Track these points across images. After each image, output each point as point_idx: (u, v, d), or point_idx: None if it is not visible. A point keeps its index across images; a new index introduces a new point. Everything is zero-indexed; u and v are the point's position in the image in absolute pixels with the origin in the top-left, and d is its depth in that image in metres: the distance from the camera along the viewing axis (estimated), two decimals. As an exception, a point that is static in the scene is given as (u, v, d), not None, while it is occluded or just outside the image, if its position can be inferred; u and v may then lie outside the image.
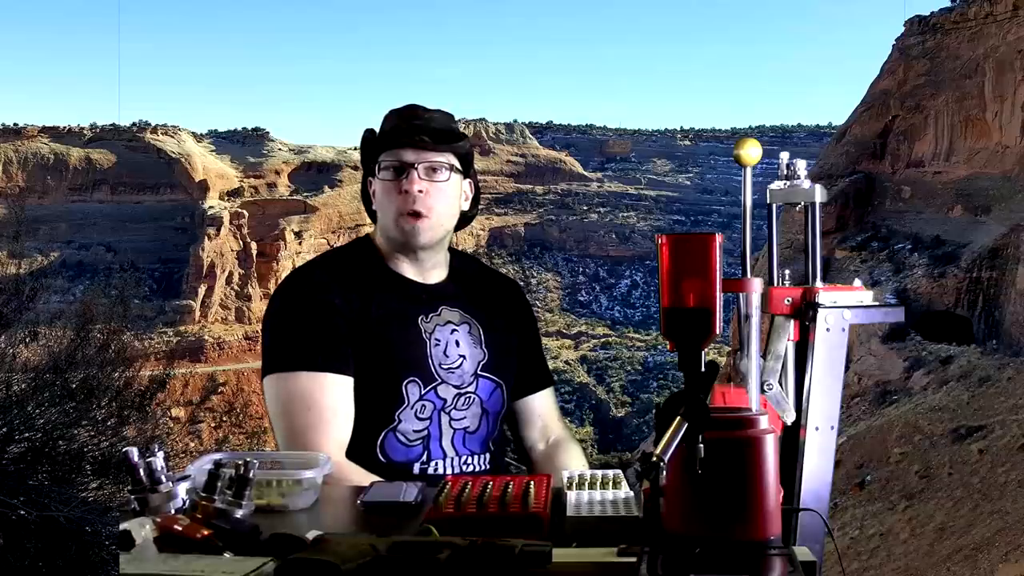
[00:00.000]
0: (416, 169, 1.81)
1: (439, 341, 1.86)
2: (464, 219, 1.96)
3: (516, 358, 1.98)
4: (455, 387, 1.86)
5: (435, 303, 1.89)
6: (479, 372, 1.89)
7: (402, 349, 1.82)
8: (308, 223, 72.58)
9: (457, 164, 1.88)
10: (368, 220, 1.98)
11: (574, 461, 1.95)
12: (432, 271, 1.92)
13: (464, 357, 1.88)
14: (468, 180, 1.93)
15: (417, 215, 1.82)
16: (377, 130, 1.89)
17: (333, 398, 1.75)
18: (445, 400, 1.84)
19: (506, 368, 1.94)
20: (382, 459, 1.80)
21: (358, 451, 1.76)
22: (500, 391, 1.93)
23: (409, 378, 1.81)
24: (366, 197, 1.95)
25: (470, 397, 1.87)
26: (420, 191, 1.81)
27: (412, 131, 1.82)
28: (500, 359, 1.93)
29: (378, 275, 1.88)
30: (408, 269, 1.90)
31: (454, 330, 1.89)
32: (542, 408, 2.02)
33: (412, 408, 1.81)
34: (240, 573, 1.08)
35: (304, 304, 1.80)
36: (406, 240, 1.84)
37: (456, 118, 1.97)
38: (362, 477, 1.68)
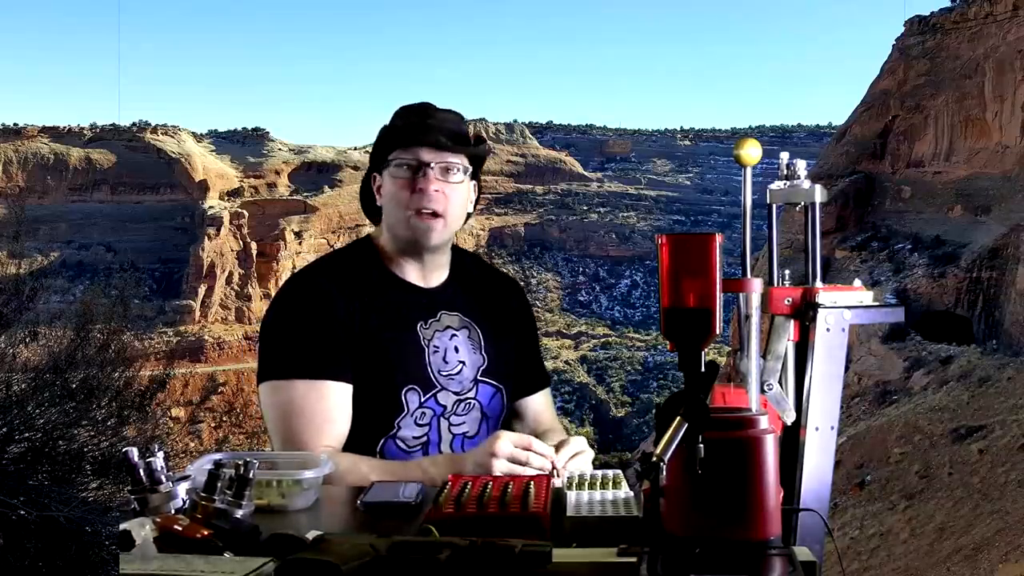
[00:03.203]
0: (432, 168, 1.80)
1: (437, 348, 1.85)
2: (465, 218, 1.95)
3: (515, 360, 1.98)
4: (455, 393, 1.85)
5: (435, 308, 1.88)
6: (479, 378, 1.88)
7: (401, 357, 1.81)
8: (308, 223, 72.59)
9: (469, 166, 1.87)
10: (366, 221, 1.97)
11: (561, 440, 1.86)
12: (435, 272, 1.90)
13: (464, 363, 1.87)
14: (474, 182, 1.92)
15: (433, 214, 1.80)
16: (388, 127, 1.86)
17: (329, 405, 1.74)
18: (445, 407, 1.84)
19: (506, 373, 1.94)
20: None
21: None
22: (500, 395, 1.92)
23: (408, 386, 1.81)
24: (368, 195, 1.92)
25: (470, 403, 1.87)
26: (436, 190, 1.80)
27: (430, 130, 1.81)
28: (500, 364, 1.92)
29: (379, 280, 1.86)
30: (411, 272, 1.88)
31: (453, 335, 1.88)
32: (537, 407, 2.02)
33: (412, 415, 1.81)
34: (240, 573, 1.08)
35: (304, 311, 1.78)
36: (417, 239, 1.82)
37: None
38: (349, 463, 1.68)
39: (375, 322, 1.81)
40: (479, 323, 1.92)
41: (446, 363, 1.85)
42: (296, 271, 1.92)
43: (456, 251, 1.96)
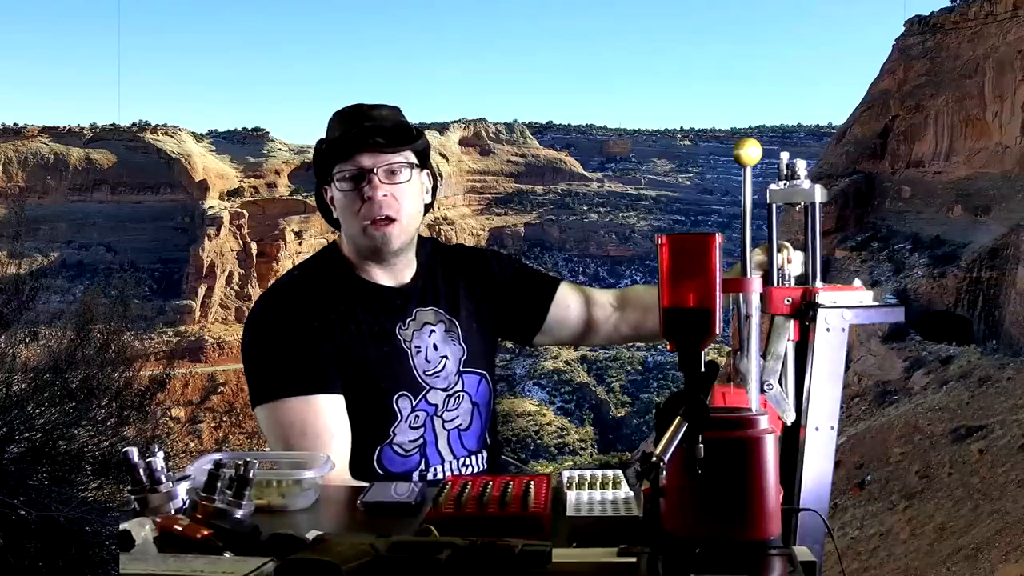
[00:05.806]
0: (376, 174, 1.75)
1: (419, 348, 1.83)
2: (424, 210, 1.91)
3: (495, 344, 1.99)
4: (443, 390, 1.84)
5: (408, 307, 1.86)
6: (462, 369, 1.88)
7: (386, 366, 1.80)
8: (308, 223, 72.55)
9: (415, 160, 1.81)
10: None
11: (645, 291, 2.07)
12: (404, 271, 1.88)
13: (446, 357, 1.86)
14: (426, 171, 1.86)
15: (388, 220, 1.76)
16: (325, 138, 1.82)
17: (328, 420, 1.71)
18: (436, 405, 1.84)
19: (487, 357, 1.94)
20: (380, 472, 1.79)
21: (356, 467, 1.74)
22: (485, 381, 1.92)
23: (399, 393, 1.80)
24: (324, 207, 1.89)
25: (459, 396, 1.87)
26: (384, 196, 1.75)
27: (365, 134, 1.75)
28: (480, 350, 1.92)
29: (351, 289, 1.83)
30: (379, 275, 1.85)
31: (432, 331, 1.86)
32: (573, 295, 2.02)
33: (406, 421, 1.81)
34: (240, 573, 1.08)
35: (282, 331, 1.75)
36: (377, 248, 1.79)
37: (404, 112, 1.87)
38: None
39: (354, 333, 1.79)
40: (454, 312, 1.90)
41: (429, 362, 1.84)
42: (265, 291, 1.87)
43: (420, 242, 1.92)
